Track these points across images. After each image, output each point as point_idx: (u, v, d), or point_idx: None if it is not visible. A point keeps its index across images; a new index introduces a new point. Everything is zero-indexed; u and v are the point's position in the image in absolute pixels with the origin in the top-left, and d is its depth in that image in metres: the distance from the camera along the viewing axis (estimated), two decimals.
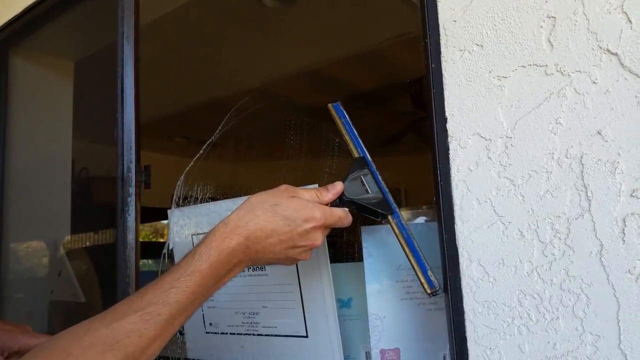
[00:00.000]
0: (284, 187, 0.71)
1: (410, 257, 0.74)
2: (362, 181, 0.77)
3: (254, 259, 0.68)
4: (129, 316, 0.58)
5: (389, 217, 0.76)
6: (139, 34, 1.23)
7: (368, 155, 0.80)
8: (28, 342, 0.82)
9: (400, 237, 0.75)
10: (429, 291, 0.72)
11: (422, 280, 0.72)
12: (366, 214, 0.77)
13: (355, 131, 0.82)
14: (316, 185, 0.87)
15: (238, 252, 0.65)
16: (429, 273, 0.72)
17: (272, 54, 2.22)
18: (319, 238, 0.70)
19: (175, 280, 0.61)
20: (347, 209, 0.74)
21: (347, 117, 0.83)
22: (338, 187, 0.75)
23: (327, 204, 0.73)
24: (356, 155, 0.80)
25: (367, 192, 0.76)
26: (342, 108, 0.83)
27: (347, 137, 0.81)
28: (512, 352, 0.65)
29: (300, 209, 0.68)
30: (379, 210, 0.75)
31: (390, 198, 0.76)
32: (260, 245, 0.67)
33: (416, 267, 0.73)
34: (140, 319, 0.58)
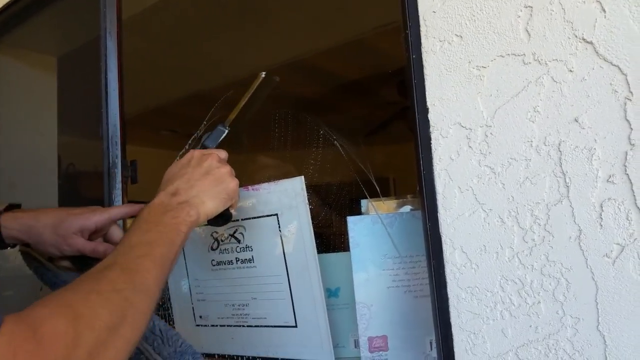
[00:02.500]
0: None
1: (248, 94, 0.91)
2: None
3: (191, 194, 0.75)
4: (106, 259, 0.61)
5: (226, 120, 0.90)
6: (122, 28, 1.23)
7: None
8: (100, 217, 0.84)
9: (238, 106, 0.90)
10: (260, 75, 0.88)
11: (257, 80, 0.91)
12: (219, 139, 0.90)
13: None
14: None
15: (168, 199, 0.73)
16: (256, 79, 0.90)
17: (257, 46, 2.21)
18: (212, 154, 0.81)
19: (125, 235, 0.68)
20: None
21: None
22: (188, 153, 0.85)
23: None
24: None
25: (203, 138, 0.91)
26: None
27: None
28: (495, 337, 0.66)
29: (179, 160, 0.81)
30: (217, 127, 0.90)
31: None
32: (180, 183, 0.76)
33: (252, 87, 0.91)
34: (116, 252, 0.62)
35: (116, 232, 0.88)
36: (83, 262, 0.84)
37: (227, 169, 0.80)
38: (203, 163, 0.79)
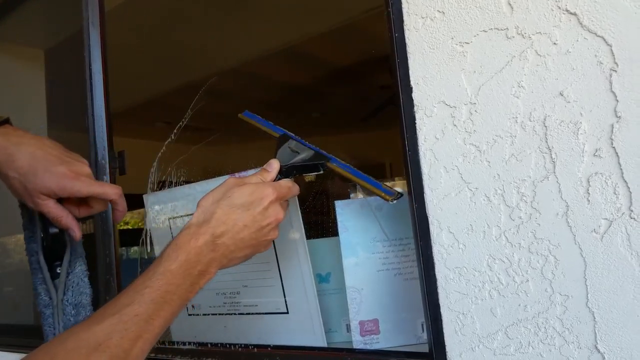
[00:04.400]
0: (230, 180, 0.71)
1: (363, 183, 0.78)
2: (290, 149, 0.81)
3: (227, 255, 0.68)
4: (107, 319, 0.58)
5: (329, 163, 0.79)
6: (106, 18, 1.21)
7: (286, 131, 0.86)
8: (78, 191, 0.71)
9: (346, 173, 0.79)
10: (389, 198, 0.76)
11: (382, 193, 0.77)
12: (309, 173, 0.80)
13: (268, 121, 0.91)
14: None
15: (207, 251, 0.66)
16: (383, 186, 0.77)
17: (248, 34, 2.19)
18: (280, 211, 0.71)
19: (148, 280, 0.62)
20: (291, 180, 0.77)
21: (257, 116, 0.92)
22: (274, 164, 0.77)
23: (272, 181, 0.75)
24: (277, 136, 0.86)
25: (299, 154, 0.80)
26: (250, 112, 0.92)
27: (265, 129, 0.89)
28: (484, 316, 0.65)
29: (253, 192, 0.70)
30: (317, 162, 0.79)
31: (321, 151, 0.81)
32: (227, 237, 0.67)
33: (371, 187, 0.78)
34: (118, 320, 0.58)
35: (95, 201, 0.77)
36: (45, 224, 0.75)
37: (274, 236, 0.73)
38: (264, 221, 0.70)
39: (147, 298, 0.60)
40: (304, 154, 0.80)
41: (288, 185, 0.75)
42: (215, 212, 0.68)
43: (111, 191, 0.75)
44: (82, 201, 0.77)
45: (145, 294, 0.60)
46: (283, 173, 0.77)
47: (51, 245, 0.76)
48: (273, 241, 0.88)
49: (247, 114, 0.94)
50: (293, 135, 0.84)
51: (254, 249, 0.71)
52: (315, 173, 0.80)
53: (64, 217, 0.73)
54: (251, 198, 0.69)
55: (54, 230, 0.76)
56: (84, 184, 0.72)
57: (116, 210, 0.78)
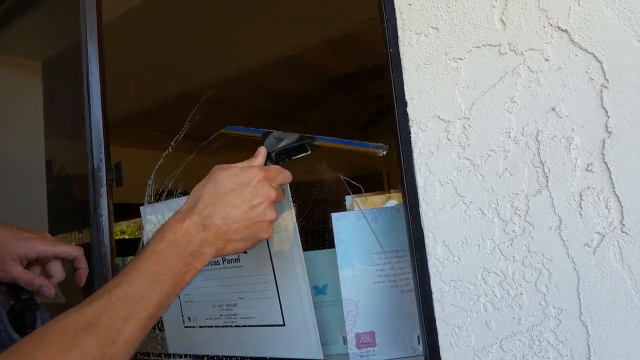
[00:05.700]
0: (216, 166, 0.73)
1: (352, 147, 0.82)
2: (275, 139, 0.83)
3: (222, 236, 0.68)
4: (96, 301, 0.58)
5: (315, 142, 0.82)
6: (103, 30, 1.22)
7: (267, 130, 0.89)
8: (46, 249, 0.80)
9: (334, 145, 0.82)
10: (380, 152, 0.80)
11: (372, 150, 0.80)
12: (297, 155, 0.83)
13: (249, 128, 0.94)
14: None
15: (196, 231, 0.66)
16: (370, 144, 0.80)
17: (246, 42, 2.20)
18: (271, 190, 0.71)
19: (136, 262, 0.62)
20: (279, 166, 0.78)
21: (241, 127, 0.95)
22: (261, 149, 0.79)
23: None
24: (260, 136, 0.88)
25: (283, 140, 0.82)
26: (232, 126, 0.95)
27: (249, 134, 0.92)
28: (479, 329, 0.66)
29: (238, 174, 0.71)
30: (304, 142, 0.82)
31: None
32: (217, 217, 0.67)
33: (361, 148, 0.81)
34: (107, 301, 0.58)
35: (56, 269, 0.83)
36: (16, 292, 0.80)
37: (272, 217, 0.72)
38: (255, 199, 0.69)
39: (135, 279, 0.61)
40: (289, 139, 0.81)
41: (276, 168, 0.76)
42: (202, 196, 0.69)
43: (73, 250, 0.83)
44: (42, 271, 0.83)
45: (134, 275, 0.61)
46: (273, 160, 0.78)
47: (22, 314, 0.80)
48: (270, 253, 0.89)
49: (230, 128, 0.97)
50: (272, 130, 0.87)
51: (252, 231, 0.70)
52: (304, 154, 0.82)
53: (35, 277, 0.80)
54: (238, 179, 0.70)
55: (25, 296, 0.81)
56: (50, 244, 0.81)
57: (80, 269, 0.84)
